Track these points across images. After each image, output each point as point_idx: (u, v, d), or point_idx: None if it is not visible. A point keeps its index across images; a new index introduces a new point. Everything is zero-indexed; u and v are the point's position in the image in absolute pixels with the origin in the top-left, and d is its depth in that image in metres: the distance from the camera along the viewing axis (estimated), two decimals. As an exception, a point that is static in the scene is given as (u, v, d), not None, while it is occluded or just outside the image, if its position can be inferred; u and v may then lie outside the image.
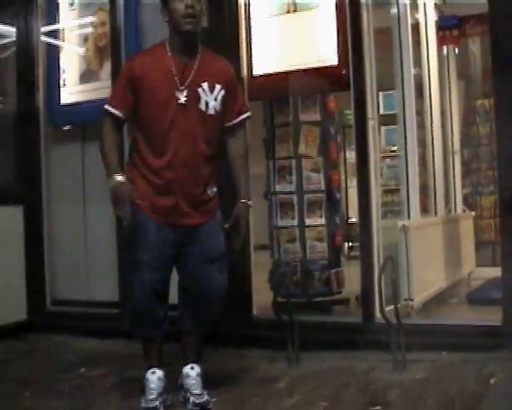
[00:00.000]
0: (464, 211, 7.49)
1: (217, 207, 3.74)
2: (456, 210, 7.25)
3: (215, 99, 3.59)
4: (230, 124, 3.70)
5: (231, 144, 3.73)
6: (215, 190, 3.70)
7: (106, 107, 3.60)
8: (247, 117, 3.78)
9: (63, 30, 5.88)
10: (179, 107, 3.52)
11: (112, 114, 3.57)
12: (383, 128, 8.67)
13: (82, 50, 5.76)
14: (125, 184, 3.46)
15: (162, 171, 3.54)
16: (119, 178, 3.45)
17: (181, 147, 3.52)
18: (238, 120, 3.71)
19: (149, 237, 3.57)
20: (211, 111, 3.59)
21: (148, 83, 3.53)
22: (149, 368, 3.66)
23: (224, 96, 3.62)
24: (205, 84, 3.57)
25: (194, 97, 3.54)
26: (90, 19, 5.73)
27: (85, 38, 5.76)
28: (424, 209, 6.19)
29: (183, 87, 3.53)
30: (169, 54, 3.58)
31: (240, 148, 3.74)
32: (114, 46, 5.41)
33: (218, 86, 3.60)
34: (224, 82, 3.63)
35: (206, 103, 3.57)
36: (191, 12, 3.48)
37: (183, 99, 3.52)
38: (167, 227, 3.58)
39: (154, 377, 3.61)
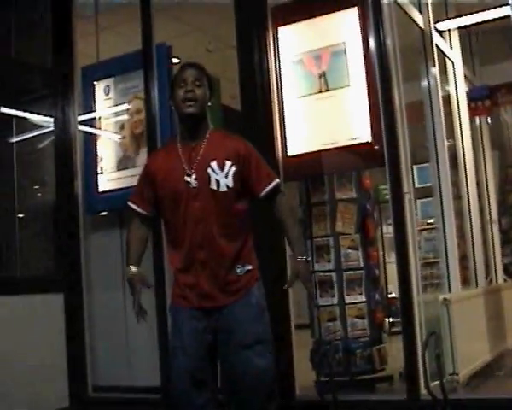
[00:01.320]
0: (505, 281, 7.40)
1: (250, 288, 3.61)
2: (497, 280, 7.15)
3: (226, 176, 3.55)
4: (264, 194, 3.62)
5: (274, 210, 3.65)
6: (248, 268, 3.59)
7: (128, 202, 3.73)
8: (278, 183, 3.67)
9: (99, 118, 6.00)
10: (191, 191, 3.53)
11: (133, 210, 3.69)
12: (419, 201, 8.66)
13: (118, 138, 5.86)
14: (136, 274, 3.60)
15: (182, 256, 3.55)
16: (133, 269, 3.61)
17: (196, 229, 3.51)
18: (270, 187, 3.62)
19: (181, 324, 3.57)
20: (223, 189, 3.54)
21: (161, 175, 3.59)
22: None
23: (236, 172, 3.57)
24: (214, 164, 3.55)
25: (203, 179, 3.53)
26: (125, 106, 5.84)
27: (121, 126, 5.86)
28: (465, 281, 6.13)
29: (191, 171, 3.55)
30: (178, 143, 3.63)
31: (282, 209, 3.64)
32: (150, 133, 5.51)
33: (228, 163, 3.56)
34: (235, 157, 3.57)
35: (217, 182, 3.54)
36: (190, 96, 3.54)
37: (193, 183, 3.53)
38: (196, 312, 3.55)
39: None
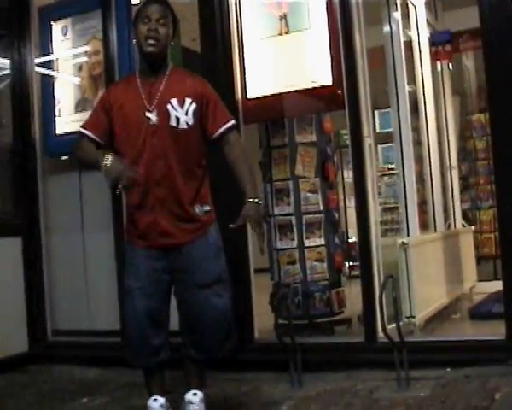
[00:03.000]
0: (464, 226, 7.48)
1: (208, 229, 3.65)
2: (455, 225, 7.24)
3: (186, 113, 3.56)
4: (218, 134, 3.63)
5: (226, 152, 3.64)
6: (206, 209, 3.62)
7: (80, 128, 3.71)
8: (233, 125, 3.69)
9: (57, 60, 5.88)
10: (150, 127, 3.52)
11: (86, 136, 3.64)
12: (380, 146, 8.70)
13: (76, 80, 5.75)
14: (115, 159, 3.42)
15: (141, 193, 3.53)
16: (109, 157, 3.41)
17: (155, 165, 3.51)
18: (224, 128, 3.63)
19: (139, 265, 3.58)
20: (183, 126, 3.55)
21: (119, 108, 3.58)
22: (151, 396, 3.63)
23: (196, 109, 3.59)
24: (174, 100, 3.55)
25: (163, 115, 3.54)
26: (83, 48, 5.73)
27: (79, 68, 5.75)
28: (423, 226, 6.18)
29: (152, 107, 3.54)
30: (138, 79, 3.63)
31: (235, 152, 3.63)
32: (108, 74, 5.41)
33: (188, 100, 3.57)
34: (196, 95, 3.59)
35: (177, 119, 3.55)
36: (153, 35, 3.52)
37: (153, 119, 3.53)
38: (155, 252, 3.56)
39: (156, 404, 3.58)
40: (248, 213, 3.50)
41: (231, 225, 3.50)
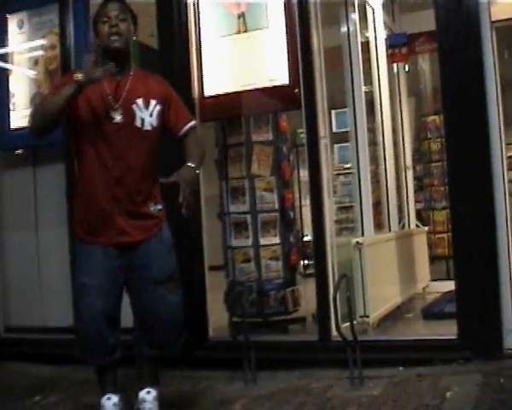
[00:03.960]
0: (418, 226, 7.57)
1: (162, 226, 3.67)
2: (409, 226, 7.31)
3: (150, 115, 3.58)
4: (181, 133, 3.67)
5: (184, 145, 3.66)
6: (159, 207, 3.64)
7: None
8: (194, 125, 3.74)
9: (12, 53, 5.81)
10: (114, 126, 3.51)
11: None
12: (336, 146, 8.73)
13: (32, 73, 5.69)
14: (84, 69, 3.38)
15: (98, 188, 3.52)
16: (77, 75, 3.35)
17: (115, 164, 3.50)
18: (186, 127, 3.67)
19: (96, 262, 3.55)
20: (147, 127, 3.57)
21: (82, 102, 3.50)
22: (104, 394, 3.61)
23: (160, 111, 3.61)
24: (139, 101, 3.56)
25: (128, 115, 3.53)
26: (39, 42, 5.67)
27: (35, 61, 5.69)
28: (378, 226, 6.23)
29: (117, 106, 3.53)
30: None
31: (192, 142, 3.67)
32: (65, 69, 5.34)
33: (153, 102, 3.59)
34: (160, 97, 3.62)
35: (142, 120, 3.56)
36: (115, 30, 3.53)
37: (118, 118, 3.52)
38: (111, 250, 3.54)
39: (110, 403, 3.56)
40: (182, 173, 3.46)
41: (162, 180, 3.49)
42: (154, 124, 3.59)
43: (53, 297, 5.54)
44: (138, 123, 3.55)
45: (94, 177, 3.51)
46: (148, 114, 3.57)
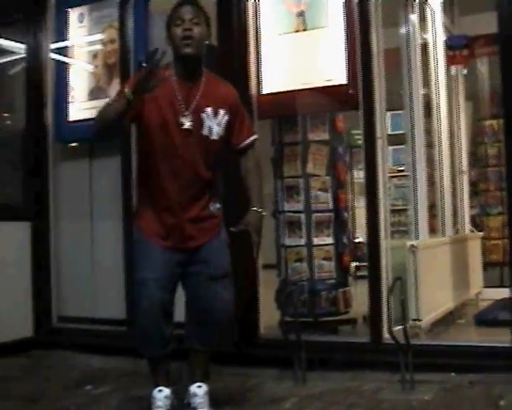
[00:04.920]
0: (472, 231, 7.46)
1: (221, 225, 3.73)
2: (463, 230, 7.21)
3: (218, 124, 3.60)
4: (240, 147, 3.70)
5: (242, 164, 3.73)
6: (218, 206, 3.70)
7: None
8: (255, 139, 3.77)
9: (72, 47, 5.89)
10: (183, 132, 3.53)
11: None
12: (390, 148, 8.66)
13: (91, 67, 5.76)
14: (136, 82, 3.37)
15: (165, 194, 3.56)
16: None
17: (183, 171, 3.54)
18: (247, 142, 3.71)
19: (155, 256, 3.58)
20: (214, 136, 3.60)
21: (153, 100, 3.50)
22: (156, 386, 3.64)
23: (227, 121, 3.63)
24: (208, 109, 3.58)
25: (197, 122, 3.55)
26: (99, 36, 5.73)
27: (94, 55, 5.77)
28: (432, 229, 6.16)
29: (187, 112, 3.54)
30: (174, 78, 3.60)
31: (250, 165, 3.73)
32: (123, 63, 5.42)
33: (221, 111, 3.61)
34: (228, 107, 3.63)
35: (210, 129, 3.58)
36: (188, 34, 3.51)
37: (187, 124, 3.53)
38: (172, 249, 3.59)
39: (161, 395, 3.59)
40: (250, 220, 3.61)
41: (232, 229, 3.63)
42: (221, 134, 3.62)
43: (106, 289, 5.60)
44: (206, 132, 3.58)
45: (163, 180, 3.56)
46: (215, 123, 3.60)
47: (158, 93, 3.48)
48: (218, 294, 3.62)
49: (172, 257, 3.58)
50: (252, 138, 3.74)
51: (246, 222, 3.60)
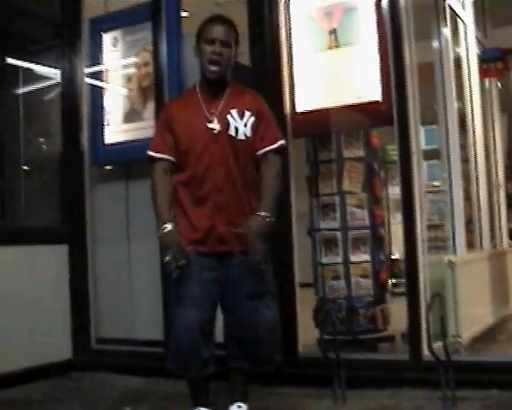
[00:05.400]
0: (510, 245, 7.38)
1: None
2: (502, 245, 7.14)
3: (245, 125, 3.62)
4: (262, 152, 3.68)
5: (263, 169, 3.68)
6: None
7: (150, 153, 3.71)
8: (281, 145, 3.73)
9: (107, 71, 5.94)
10: (210, 135, 3.58)
11: (159, 159, 3.66)
12: (424, 163, 8.60)
13: (125, 90, 5.81)
14: (171, 232, 3.52)
15: (200, 198, 3.58)
16: (168, 226, 3.52)
17: (215, 171, 3.56)
18: (269, 148, 3.68)
19: (191, 274, 3.58)
20: (241, 136, 3.61)
21: (181, 121, 3.63)
22: (195, 407, 3.64)
23: (254, 124, 3.64)
24: (233, 111, 3.62)
25: (223, 124, 3.60)
26: (133, 59, 5.78)
27: (129, 79, 5.81)
28: (470, 244, 6.10)
29: (212, 117, 3.58)
30: (199, 93, 3.68)
31: (269, 172, 3.66)
32: (158, 86, 5.45)
33: (247, 113, 3.63)
34: (254, 109, 3.66)
35: (236, 129, 3.61)
36: (216, 59, 3.57)
37: (215, 128, 3.58)
38: (208, 261, 3.58)
39: (201, 415, 3.59)
40: (251, 224, 3.52)
41: (231, 228, 3.57)
42: (248, 134, 3.62)
43: (143, 310, 5.61)
44: (232, 132, 3.61)
45: (198, 185, 3.59)
46: (242, 124, 3.62)
47: (184, 111, 3.61)
48: (260, 312, 3.61)
49: (208, 275, 3.58)
50: (274, 146, 3.70)
51: (247, 226, 3.52)
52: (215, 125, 3.58)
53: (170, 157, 3.66)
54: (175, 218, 3.61)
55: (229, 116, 3.60)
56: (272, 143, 3.69)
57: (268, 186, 3.63)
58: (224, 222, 3.57)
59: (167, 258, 3.53)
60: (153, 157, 3.70)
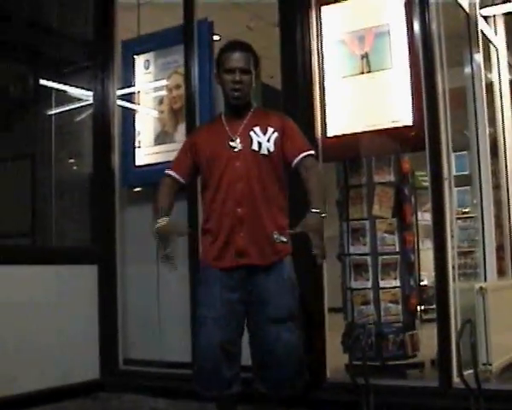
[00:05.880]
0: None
1: (283, 258, 3.68)
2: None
3: (268, 140, 3.65)
4: (297, 160, 3.66)
5: (302, 174, 3.65)
6: (283, 239, 3.57)
7: (166, 171, 3.85)
8: (311, 154, 3.70)
9: (139, 92, 5.99)
10: (233, 153, 3.61)
11: (170, 176, 3.80)
12: (455, 189, 8.56)
13: (157, 113, 5.85)
14: (164, 225, 3.64)
15: (221, 211, 3.60)
16: (160, 221, 3.64)
17: (234, 187, 3.58)
18: (302, 155, 3.66)
19: (215, 294, 3.60)
20: (264, 151, 3.63)
21: (204, 144, 3.70)
22: (222, 428, 3.62)
23: (277, 139, 3.65)
24: (257, 128, 3.66)
25: (246, 141, 3.63)
26: (164, 82, 5.83)
27: (160, 101, 5.85)
28: (501, 271, 6.05)
29: (235, 136, 3.63)
30: (223, 117, 3.75)
31: (310, 172, 3.62)
32: (189, 108, 5.49)
33: (270, 129, 3.67)
34: (278, 126, 3.69)
35: (259, 144, 3.63)
36: (238, 87, 3.63)
37: (237, 147, 3.62)
38: (230, 280, 3.57)
39: (227, 437, 3.58)
40: (308, 221, 3.44)
41: (290, 231, 3.52)
42: (271, 149, 3.64)
43: (172, 332, 5.62)
44: (255, 147, 3.63)
45: (217, 202, 3.62)
46: (265, 139, 3.65)
47: (208, 135, 3.72)
48: (280, 336, 3.57)
49: (232, 295, 3.58)
50: (308, 152, 3.68)
51: (304, 224, 3.42)
52: (236, 144, 3.61)
53: (179, 177, 3.80)
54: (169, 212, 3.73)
55: (251, 133, 3.65)
56: (305, 151, 3.69)
57: (314, 184, 3.57)
58: (243, 235, 3.57)
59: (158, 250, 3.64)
60: (166, 173, 3.84)
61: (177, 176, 3.79)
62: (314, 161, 3.74)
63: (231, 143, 3.62)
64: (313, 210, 3.48)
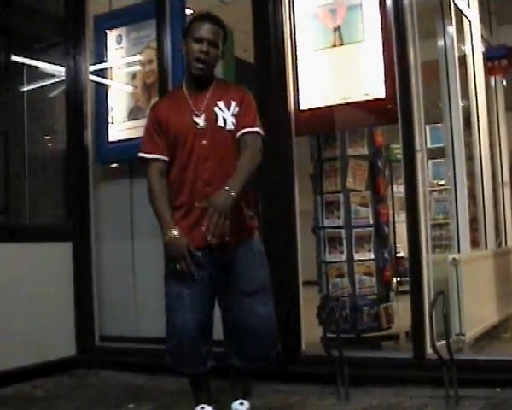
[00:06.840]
0: (515, 244, 7.36)
1: (252, 232, 3.69)
2: (506, 243, 7.12)
3: (233, 115, 3.63)
4: (239, 134, 3.63)
5: (241, 149, 3.62)
6: (250, 214, 3.65)
7: (142, 155, 3.70)
8: (255, 132, 3.65)
9: (111, 68, 5.94)
10: (198, 130, 3.58)
11: (152, 160, 3.66)
12: (430, 161, 8.60)
13: (130, 88, 5.81)
14: (179, 239, 3.50)
15: (189, 191, 3.57)
16: (174, 232, 3.50)
17: (203, 166, 3.55)
18: (246, 130, 3.63)
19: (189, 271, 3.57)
20: (229, 126, 3.62)
21: (168, 119, 3.63)
22: (197, 404, 3.65)
23: (237, 113, 3.64)
24: (220, 103, 3.64)
25: (211, 118, 3.61)
26: (137, 57, 5.78)
27: (133, 76, 5.81)
28: (474, 243, 6.09)
29: (199, 111, 3.60)
30: (185, 89, 3.70)
31: (244, 152, 3.59)
32: (162, 83, 5.45)
33: (233, 103, 3.65)
34: (239, 99, 3.67)
35: (224, 120, 3.62)
36: (203, 58, 3.58)
37: (202, 123, 3.58)
38: (203, 257, 3.55)
39: (203, 413, 3.59)
40: (215, 198, 3.40)
41: (196, 204, 3.55)
42: (235, 123, 3.62)
43: (147, 308, 5.61)
44: (221, 123, 3.61)
45: (186, 181, 3.58)
46: (229, 114, 3.63)
47: (171, 109, 3.65)
48: (252, 309, 3.59)
49: (203, 272, 3.56)
50: (251, 129, 3.64)
51: (211, 200, 3.40)
52: (202, 120, 3.59)
53: (162, 156, 3.65)
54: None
55: (216, 108, 3.62)
56: (248, 127, 3.64)
57: (240, 164, 3.54)
58: None
59: (178, 266, 3.52)
60: (145, 159, 3.68)
61: (162, 157, 3.64)
62: (255, 139, 3.66)
63: (196, 119, 3.59)
64: (226, 188, 3.43)
